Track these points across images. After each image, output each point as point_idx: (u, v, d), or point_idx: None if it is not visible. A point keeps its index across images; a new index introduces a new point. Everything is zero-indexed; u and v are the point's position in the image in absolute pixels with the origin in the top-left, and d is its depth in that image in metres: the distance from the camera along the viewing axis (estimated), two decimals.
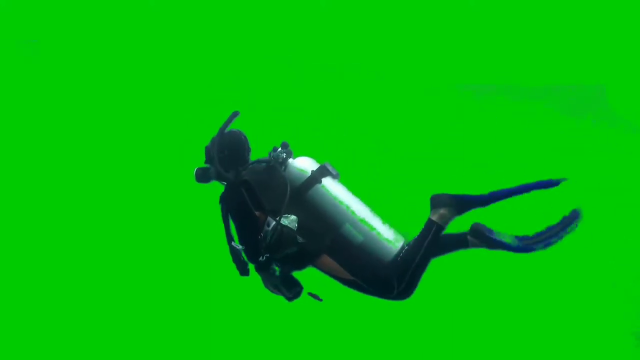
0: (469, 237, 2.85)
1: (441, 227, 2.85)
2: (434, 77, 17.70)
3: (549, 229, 2.78)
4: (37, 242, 11.20)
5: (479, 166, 13.28)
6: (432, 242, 2.84)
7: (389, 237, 2.87)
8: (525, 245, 2.77)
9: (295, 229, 2.76)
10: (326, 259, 2.81)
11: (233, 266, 2.87)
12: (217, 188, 2.99)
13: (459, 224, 2.94)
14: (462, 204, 2.87)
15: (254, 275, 2.84)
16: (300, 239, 2.76)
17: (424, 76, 17.73)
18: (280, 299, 2.84)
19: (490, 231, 2.81)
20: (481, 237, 2.80)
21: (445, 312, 9.14)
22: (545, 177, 2.71)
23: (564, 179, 2.77)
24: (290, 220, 2.76)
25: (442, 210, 2.86)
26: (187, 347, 9.02)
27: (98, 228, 11.59)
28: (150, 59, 17.79)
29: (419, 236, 2.86)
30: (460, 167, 13.24)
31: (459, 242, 2.88)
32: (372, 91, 16.81)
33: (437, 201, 2.90)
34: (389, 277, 2.78)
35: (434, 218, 2.86)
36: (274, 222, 2.75)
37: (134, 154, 13.87)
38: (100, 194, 12.65)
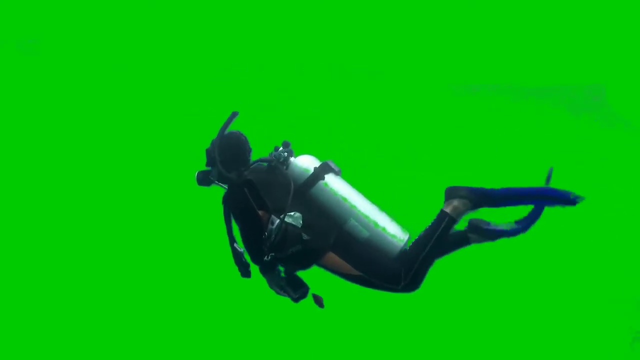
0: (469, 234, 2.78)
1: (453, 220, 2.76)
2: (433, 77, 17.69)
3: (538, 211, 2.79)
4: (36, 241, 11.21)
5: (479, 166, 13.27)
6: (442, 235, 2.75)
7: (394, 231, 2.80)
8: (522, 226, 2.73)
9: (300, 226, 2.73)
10: (332, 257, 2.77)
11: (235, 268, 2.84)
12: (218, 191, 2.95)
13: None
14: (478, 198, 2.75)
15: (257, 278, 2.80)
16: (305, 237, 2.72)
17: (423, 76, 17.72)
18: (286, 301, 2.79)
19: (487, 223, 2.74)
20: (480, 232, 2.73)
21: (447, 311, 9.14)
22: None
23: (582, 198, 2.68)
24: (294, 218, 2.73)
25: (455, 202, 2.78)
26: (191, 349, 9.03)
27: (96, 229, 11.59)
28: (150, 59, 17.79)
29: (429, 228, 2.78)
30: (460, 168, 13.22)
31: (460, 240, 2.81)
32: (370, 92, 16.80)
33: (452, 193, 2.81)
34: (396, 271, 2.73)
35: (447, 210, 2.77)
36: (278, 221, 2.72)
37: (133, 154, 13.86)
38: (99, 193, 12.66)
